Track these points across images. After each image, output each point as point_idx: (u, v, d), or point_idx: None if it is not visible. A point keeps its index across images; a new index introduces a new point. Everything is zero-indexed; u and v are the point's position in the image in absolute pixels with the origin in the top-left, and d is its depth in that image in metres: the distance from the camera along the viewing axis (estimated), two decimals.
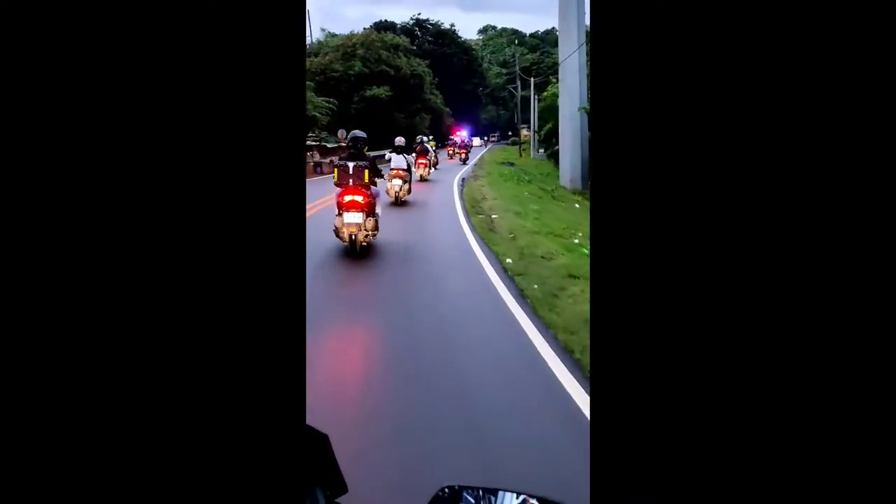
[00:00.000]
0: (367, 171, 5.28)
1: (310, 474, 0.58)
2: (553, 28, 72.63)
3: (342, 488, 0.62)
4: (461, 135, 30.02)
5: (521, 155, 31.64)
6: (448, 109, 48.79)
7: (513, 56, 77.52)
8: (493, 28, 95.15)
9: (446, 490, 0.66)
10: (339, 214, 5.24)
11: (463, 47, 56.56)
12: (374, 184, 5.56)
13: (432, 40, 54.15)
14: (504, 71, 73.99)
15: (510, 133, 54.63)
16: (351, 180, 5.21)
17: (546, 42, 71.19)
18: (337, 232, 5.35)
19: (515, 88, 31.94)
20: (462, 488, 0.66)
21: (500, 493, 0.66)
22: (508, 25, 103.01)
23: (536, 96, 29.49)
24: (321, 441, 0.59)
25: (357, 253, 5.38)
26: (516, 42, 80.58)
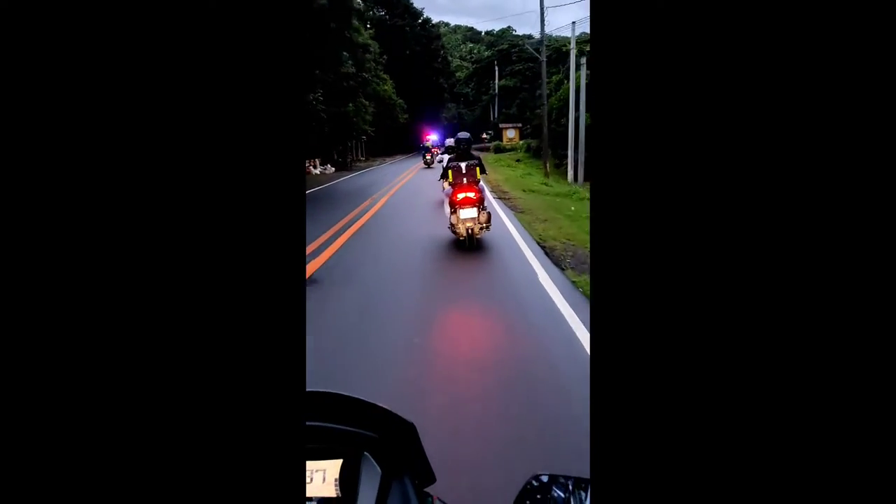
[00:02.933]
0: (477, 169, 5.58)
1: (398, 464, 0.59)
2: (509, 27, 60.00)
3: (430, 478, 0.62)
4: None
5: (547, 174, 17.02)
6: (401, 101, 34.50)
7: (470, 52, 65.95)
8: (447, 24, 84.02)
9: (534, 482, 0.66)
10: (454, 212, 5.46)
11: (420, 19, 42.41)
12: (480, 180, 5.80)
13: (381, 13, 39.74)
14: (466, 64, 60.99)
15: (484, 136, 41.01)
16: (465, 178, 5.49)
17: (503, 39, 58.51)
18: (453, 228, 5.59)
19: (540, 50, 17.08)
20: (553, 478, 0.66)
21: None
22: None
23: (579, 60, 15.43)
24: (408, 430, 0.59)
25: (474, 246, 5.48)
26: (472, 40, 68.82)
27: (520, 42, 42.70)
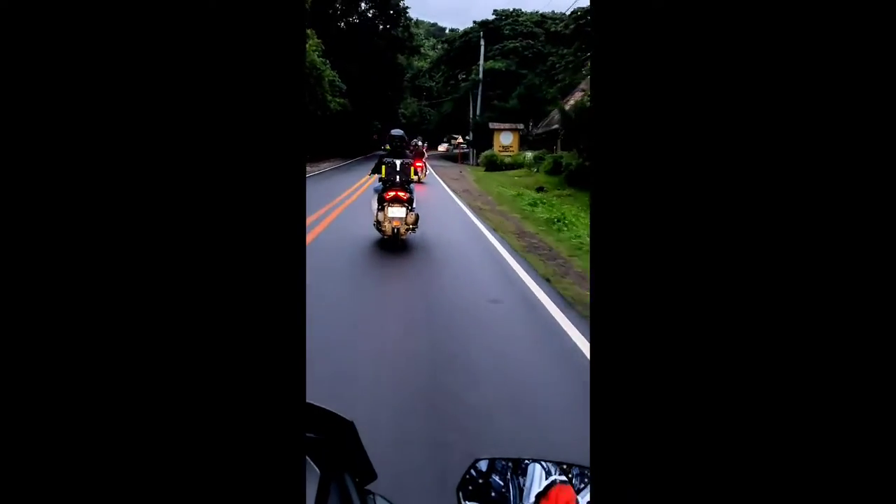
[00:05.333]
0: (412, 169, 5.51)
1: (338, 463, 0.59)
2: (474, 22, 48.63)
3: (371, 475, 0.63)
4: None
5: None
6: (333, 74, 21.40)
7: (433, 47, 54.02)
8: (410, 19, 72.06)
9: (475, 468, 0.68)
10: (382, 209, 5.35)
11: None
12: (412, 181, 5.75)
13: None
14: (432, 54, 48.78)
15: (458, 140, 28.58)
16: (398, 177, 5.37)
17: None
18: (378, 226, 5.45)
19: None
20: (493, 462, 0.69)
21: (531, 465, 0.68)
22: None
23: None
24: (348, 428, 0.59)
25: (398, 245, 5.38)
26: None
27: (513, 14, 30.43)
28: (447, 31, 68.76)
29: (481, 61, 27.46)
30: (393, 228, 5.30)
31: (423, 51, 48.30)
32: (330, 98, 20.58)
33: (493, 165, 19.45)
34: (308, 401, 0.53)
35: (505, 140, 22.68)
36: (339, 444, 0.59)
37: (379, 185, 5.49)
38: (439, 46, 45.81)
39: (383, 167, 5.42)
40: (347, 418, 0.59)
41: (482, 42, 27.42)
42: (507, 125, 22.91)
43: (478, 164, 21.14)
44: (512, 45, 28.05)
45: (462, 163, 26.97)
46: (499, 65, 27.29)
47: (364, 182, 12.33)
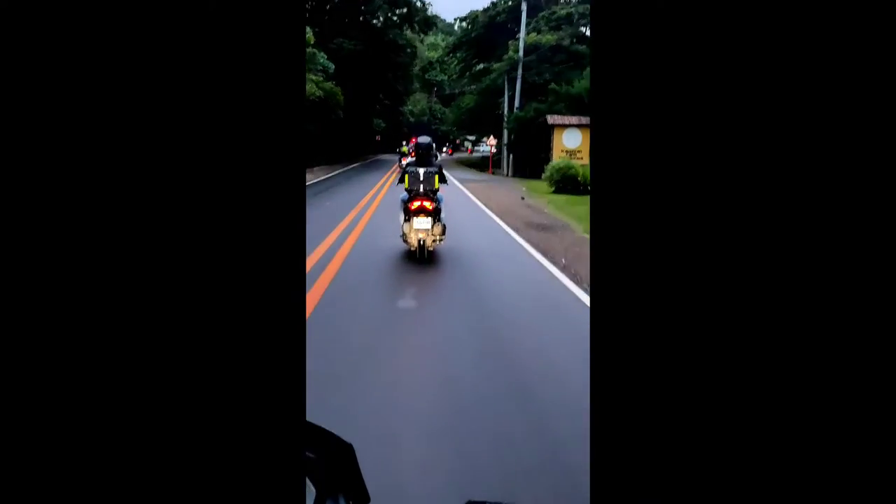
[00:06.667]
0: (436, 177, 5.32)
1: (334, 484, 0.61)
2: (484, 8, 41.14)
3: (365, 498, 0.64)
4: None
5: None
6: (320, 53, 14.18)
7: (443, 40, 47.47)
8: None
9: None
10: (408, 220, 5.24)
11: None
12: (438, 189, 5.56)
13: None
14: (441, 43, 41.80)
15: (489, 140, 21.39)
16: (422, 186, 5.22)
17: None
18: (405, 237, 5.34)
19: None
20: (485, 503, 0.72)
21: None
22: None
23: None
24: (346, 450, 0.62)
25: (425, 259, 5.23)
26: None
27: None
28: (455, 25, 62.17)
29: (522, 34, 20.18)
30: (419, 240, 5.14)
31: (433, 39, 41.50)
32: (313, 85, 13.36)
33: (572, 184, 11.86)
34: (311, 421, 0.56)
35: (570, 142, 15.39)
36: (336, 465, 0.60)
37: (406, 195, 5.29)
38: (450, 40, 38.76)
39: (406, 176, 5.27)
40: (347, 441, 0.61)
41: (524, 5, 20.12)
42: (573, 119, 15.59)
43: (542, 178, 13.69)
44: (564, 11, 20.81)
45: (492, 172, 19.68)
46: (546, 38, 20.03)
47: (360, 212, 8.39)
